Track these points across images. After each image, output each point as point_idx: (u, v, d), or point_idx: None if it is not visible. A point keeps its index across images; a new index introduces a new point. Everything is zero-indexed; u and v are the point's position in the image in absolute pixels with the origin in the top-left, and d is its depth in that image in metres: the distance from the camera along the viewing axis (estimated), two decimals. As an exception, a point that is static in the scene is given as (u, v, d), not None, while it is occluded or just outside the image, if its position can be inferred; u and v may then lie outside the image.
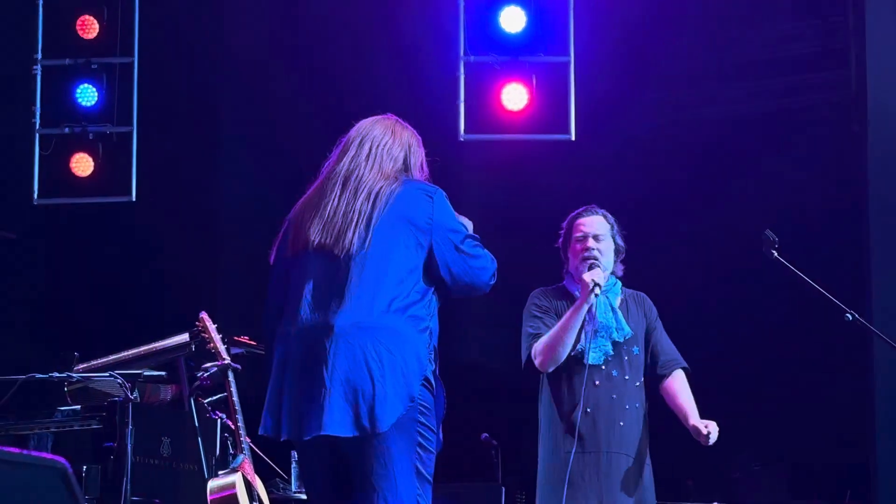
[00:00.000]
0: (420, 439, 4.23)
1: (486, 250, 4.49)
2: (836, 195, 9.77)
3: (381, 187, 4.33)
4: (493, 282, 4.50)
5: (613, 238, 5.76)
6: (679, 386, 5.76)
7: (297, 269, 4.34)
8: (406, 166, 4.48)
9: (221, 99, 10.45)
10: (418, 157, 4.54)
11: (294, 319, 4.28)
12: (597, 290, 5.53)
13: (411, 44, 9.92)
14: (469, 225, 4.59)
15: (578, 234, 5.74)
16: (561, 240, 5.84)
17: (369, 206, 4.29)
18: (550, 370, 5.58)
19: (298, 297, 4.29)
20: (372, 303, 4.21)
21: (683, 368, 5.80)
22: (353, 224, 4.27)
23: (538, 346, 5.60)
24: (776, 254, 5.89)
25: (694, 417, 5.64)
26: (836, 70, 9.63)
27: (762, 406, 10.78)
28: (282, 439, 4.26)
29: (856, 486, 9.62)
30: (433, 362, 4.30)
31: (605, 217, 5.81)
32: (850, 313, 5.92)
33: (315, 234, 4.31)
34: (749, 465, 10.74)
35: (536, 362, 5.60)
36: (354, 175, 4.37)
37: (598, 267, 5.62)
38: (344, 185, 4.36)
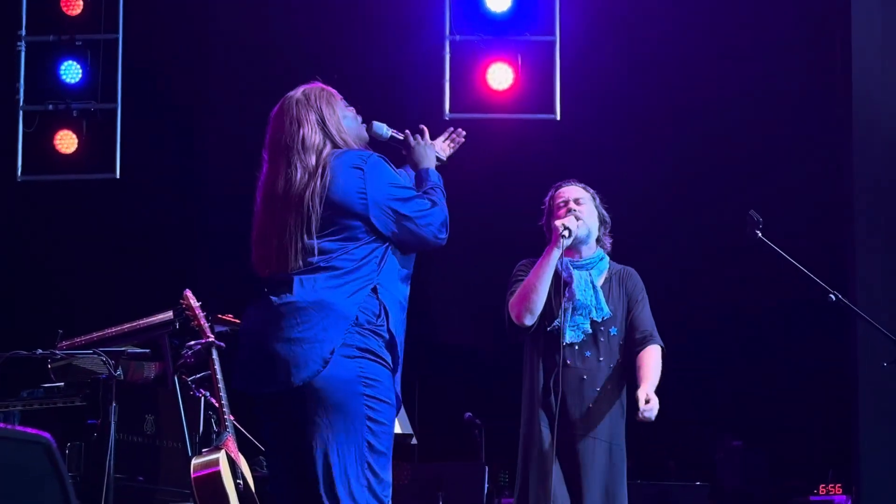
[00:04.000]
0: (369, 412, 4.21)
1: (434, 206, 4.45)
2: (820, 177, 9.79)
3: (313, 189, 4.31)
4: (442, 234, 4.46)
5: (596, 207, 5.74)
6: (646, 359, 5.56)
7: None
8: (330, 139, 4.42)
9: (207, 76, 10.41)
10: (335, 118, 4.46)
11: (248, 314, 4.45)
12: (566, 233, 5.49)
13: (397, 23, 9.90)
14: (429, 148, 4.67)
15: (559, 202, 5.72)
16: (544, 218, 5.80)
17: (305, 219, 4.30)
18: (528, 323, 5.51)
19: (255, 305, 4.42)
20: (308, 283, 4.28)
21: (660, 346, 5.64)
22: (293, 244, 4.31)
23: (512, 298, 5.57)
24: (760, 234, 5.89)
25: (642, 387, 5.42)
26: (822, 53, 9.64)
27: (744, 387, 10.81)
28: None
29: (838, 465, 9.66)
30: (379, 334, 4.29)
31: (584, 188, 5.79)
32: (834, 294, 5.92)
33: (270, 264, 4.37)
34: (730, 445, 10.78)
35: (512, 314, 5.54)
36: (284, 190, 4.34)
37: (574, 217, 5.58)
38: (279, 204, 4.35)
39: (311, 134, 4.39)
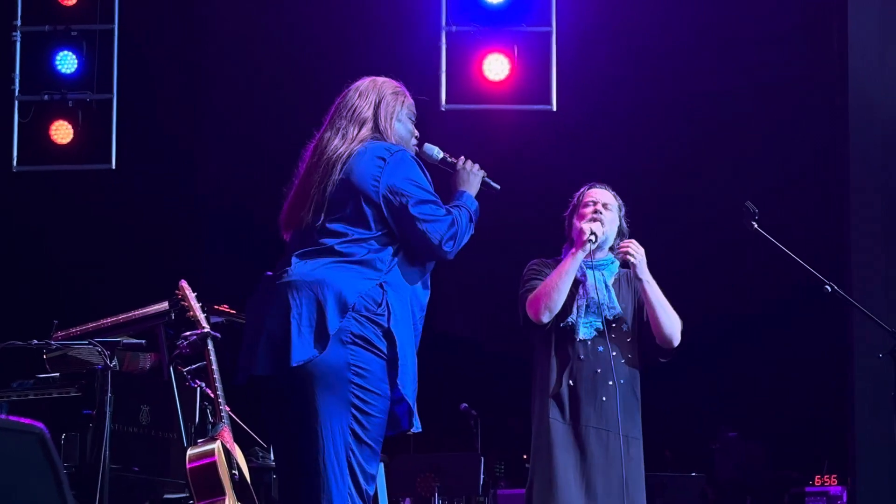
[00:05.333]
0: (355, 400, 4.20)
1: (448, 215, 4.43)
2: (817, 168, 9.79)
3: (338, 155, 4.38)
4: (448, 246, 4.42)
5: (619, 217, 5.78)
6: None
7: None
8: (376, 121, 4.50)
9: (203, 66, 10.40)
10: (391, 109, 4.53)
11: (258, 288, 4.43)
12: (592, 238, 5.55)
13: (393, 14, 9.89)
14: (476, 176, 4.69)
15: (588, 200, 5.76)
16: (569, 210, 5.83)
17: (324, 179, 4.35)
18: (545, 320, 5.55)
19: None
20: (310, 262, 4.30)
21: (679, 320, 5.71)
22: (310, 199, 4.36)
23: (532, 295, 5.59)
24: (756, 225, 5.89)
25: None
26: (819, 43, 9.64)
27: (740, 378, 10.82)
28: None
29: (833, 456, 9.68)
30: (377, 323, 4.27)
31: (615, 195, 5.82)
32: (830, 285, 5.92)
33: (292, 222, 4.43)
34: (727, 436, 10.79)
35: (530, 312, 5.58)
36: (323, 153, 4.42)
37: (599, 223, 5.62)
38: (313, 165, 4.44)
39: (364, 108, 4.51)
